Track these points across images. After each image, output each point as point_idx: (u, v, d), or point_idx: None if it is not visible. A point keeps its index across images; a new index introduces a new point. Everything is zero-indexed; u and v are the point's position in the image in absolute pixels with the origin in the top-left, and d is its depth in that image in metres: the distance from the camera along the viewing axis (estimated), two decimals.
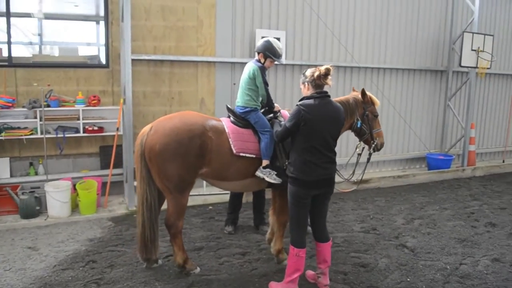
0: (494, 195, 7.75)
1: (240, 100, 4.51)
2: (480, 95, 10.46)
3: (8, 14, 6.27)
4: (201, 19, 7.21)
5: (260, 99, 4.54)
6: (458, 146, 10.04)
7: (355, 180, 5.10)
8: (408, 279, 4.39)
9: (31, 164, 6.50)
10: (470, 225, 6.08)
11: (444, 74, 9.86)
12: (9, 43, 6.33)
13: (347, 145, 8.49)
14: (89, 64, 6.89)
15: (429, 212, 6.61)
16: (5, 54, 6.36)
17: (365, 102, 4.71)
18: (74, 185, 6.09)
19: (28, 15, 6.62)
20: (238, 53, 7.56)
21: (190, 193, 4.33)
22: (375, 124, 4.77)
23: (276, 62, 4.53)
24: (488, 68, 9.26)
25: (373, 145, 4.75)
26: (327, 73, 3.83)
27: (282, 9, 7.83)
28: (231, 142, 4.28)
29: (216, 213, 6.29)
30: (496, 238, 5.60)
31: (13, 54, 6.40)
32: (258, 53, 4.48)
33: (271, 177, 4.32)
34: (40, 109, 6.08)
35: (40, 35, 6.89)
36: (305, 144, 3.82)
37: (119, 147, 6.61)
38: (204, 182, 6.87)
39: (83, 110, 6.37)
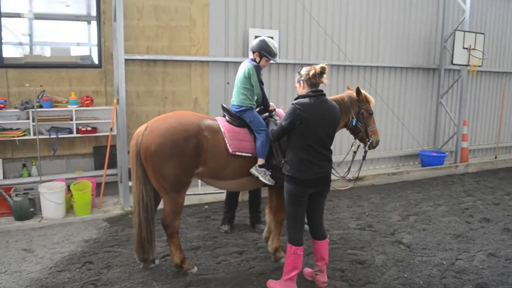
0: (487, 191, 7.83)
1: (235, 99, 4.51)
2: (472, 93, 10.56)
3: None
4: (194, 18, 7.19)
5: (256, 98, 4.53)
6: (451, 143, 10.12)
7: (351, 178, 5.12)
8: (405, 275, 4.42)
9: (24, 165, 6.43)
10: (464, 220, 6.13)
11: (436, 72, 9.94)
12: None
13: (341, 143, 8.51)
14: (82, 64, 6.83)
15: (424, 209, 6.66)
16: None
17: (360, 100, 4.74)
18: (68, 186, 6.04)
19: (18, 15, 6.54)
20: (232, 52, 7.55)
21: (185, 193, 4.32)
22: (370, 122, 4.80)
23: (271, 61, 4.52)
24: (479, 66, 9.34)
25: (369, 143, 4.78)
26: (322, 71, 3.84)
27: (275, 8, 7.83)
28: (226, 142, 4.27)
29: (212, 212, 6.28)
30: (491, 233, 5.65)
31: (4, 55, 6.32)
32: (254, 52, 4.47)
33: (265, 177, 4.32)
34: (33, 110, 6.02)
35: (30, 35, 6.82)
36: (301, 142, 3.83)
37: (113, 147, 6.58)
38: (199, 181, 6.86)
39: (76, 110, 6.32)
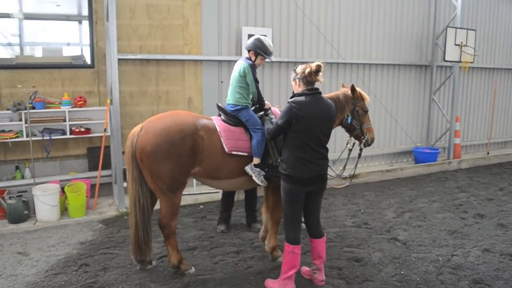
0: (481, 187, 7.89)
1: (231, 98, 4.49)
2: (464, 89, 10.63)
3: None
4: (186, 17, 7.15)
5: (251, 96, 4.52)
6: (444, 140, 10.19)
7: (347, 176, 5.13)
8: (402, 272, 4.44)
9: (17, 167, 6.36)
10: (459, 216, 6.18)
11: (428, 69, 9.99)
12: None
13: (335, 141, 8.52)
14: (74, 65, 6.77)
15: (419, 205, 6.69)
16: None
17: (355, 98, 4.73)
18: (62, 188, 5.99)
19: (7, 15, 6.45)
20: (225, 51, 7.53)
21: (182, 193, 4.29)
22: (365, 120, 4.80)
23: (266, 60, 4.51)
24: (471, 62, 9.41)
25: (364, 141, 4.78)
26: (318, 70, 3.83)
27: (268, 6, 7.82)
28: (223, 141, 4.25)
29: (208, 212, 6.26)
30: (485, 229, 5.70)
31: None
32: (249, 51, 4.46)
33: (258, 178, 4.31)
34: (25, 111, 5.95)
35: (20, 35, 6.73)
36: (297, 141, 3.82)
37: (107, 148, 6.53)
38: (194, 181, 6.84)
39: (69, 111, 6.27)
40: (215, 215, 5.98)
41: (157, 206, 4.37)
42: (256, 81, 4.43)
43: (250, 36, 6.29)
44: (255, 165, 4.32)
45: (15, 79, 6.25)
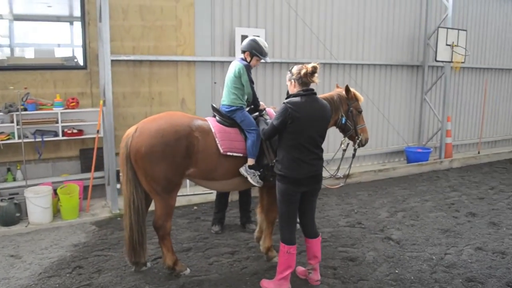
0: (472, 186, 7.97)
1: (225, 99, 4.49)
2: (455, 89, 10.73)
3: None
4: (179, 18, 7.14)
5: (246, 97, 4.52)
6: (435, 139, 10.28)
7: (341, 176, 5.14)
8: (397, 271, 4.47)
9: (9, 169, 6.30)
10: (451, 215, 6.23)
11: (420, 69, 10.07)
12: None
13: (328, 141, 8.53)
14: (67, 66, 6.72)
15: (411, 205, 6.74)
16: None
17: (349, 98, 4.76)
18: (54, 190, 5.94)
19: None
20: (218, 52, 7.52)
21: (177, 194, 4.28)
22: (359, 120, 4.82)
23: (262, 61, 4.51)
24: (462, 62, 9.49)
25: (358, 141, 4.80)
26: (314, 71, 3.84)
27: (261, 7, 7.83)
28: (217, 142, 4.25)
29: (202, 213, 6.25)
30: (477, 228, 5.75)
31: None
32: (244, 52, 4.46)
33: (254, 179, 4.31)
34: (17, 113, 5.89)
35: (10, 37, 6.67)
36: (293, 141, 3.83)
37: (100, 149, 6.49)
38: (188, 182, 6.82)
39: (61, 113, 6.21)
40: (209, 216, 5.98)
41: (152, 207, 4.35)
42: (251, 82, 4.44)
43: (243, 37, 6.29)
44: (250, 167, 4.32)
45: (7, 80, 6.19)
